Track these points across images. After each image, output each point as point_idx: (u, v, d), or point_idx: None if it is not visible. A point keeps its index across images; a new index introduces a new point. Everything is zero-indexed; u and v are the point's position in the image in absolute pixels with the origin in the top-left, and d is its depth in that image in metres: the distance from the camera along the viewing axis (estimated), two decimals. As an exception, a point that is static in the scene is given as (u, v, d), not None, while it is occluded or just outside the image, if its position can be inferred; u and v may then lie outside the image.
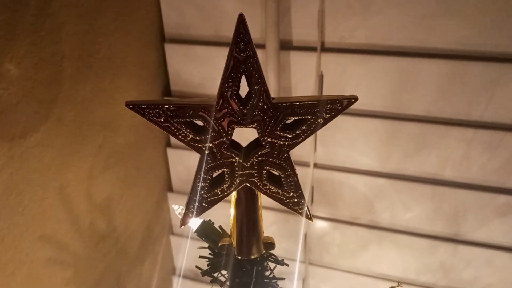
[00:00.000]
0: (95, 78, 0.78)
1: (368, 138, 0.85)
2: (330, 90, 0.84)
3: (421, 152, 0.83)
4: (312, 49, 0.83)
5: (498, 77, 0.75)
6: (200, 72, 0.94)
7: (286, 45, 0.84)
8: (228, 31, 0.88)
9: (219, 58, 0.90)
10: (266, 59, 0.83)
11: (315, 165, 0.91)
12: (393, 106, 0.82)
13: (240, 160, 0.49)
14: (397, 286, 0.60)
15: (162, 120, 0.47)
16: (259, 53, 0.84)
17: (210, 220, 0.60)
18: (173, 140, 1.03)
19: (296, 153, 0.92)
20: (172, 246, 1.14)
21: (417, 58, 0.78)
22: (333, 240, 0.96)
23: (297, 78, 0.86)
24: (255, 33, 0.84)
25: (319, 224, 0.96)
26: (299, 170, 0.93)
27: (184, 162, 1.04)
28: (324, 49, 0.83)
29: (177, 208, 0.59)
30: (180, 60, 0.95)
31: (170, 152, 1.03)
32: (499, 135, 0.78)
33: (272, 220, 1.00)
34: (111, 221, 0.88)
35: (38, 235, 0.70)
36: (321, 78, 0.84)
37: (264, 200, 0.84)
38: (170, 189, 1.08)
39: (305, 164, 0.91)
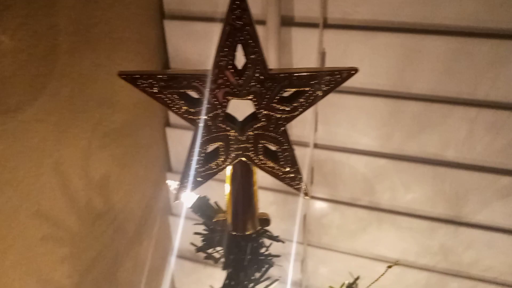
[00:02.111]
0: (92, 53, 0.77)
1: (370, 117, 0.84)
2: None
3: (423, 132, 0.82)
4: (314, 25, 0.81)
5: (505, 54, 0.72)
6: (199, 49, 0.92)
7: (287, 21, 0.82)
8: (228, 7, 0.85)
9: (218, 34, 0.88)
10: (266, 36, 0.81)
11: (315, 145, 0.90)
12: (396, 84, 0.81)
13: (236, 134, 0.48)
14: (394, 265, 0.59)
15: (156, 91, 0.46)
16: (260, 29, 0.83)
17: (205, 196, 0.59)
18: (172, 119, 1.02)
19: (296, 133, 0.90)
20: (170, 226, 1.13)
21: (422, 35, 0.76)
22: (332, 222, 0.96)
23: (298, 55, 0.84)
24: (255, 9, 0.82)
25: (319, 205, 0.95)
26: (299, 150, 0.93)
27: (184, 142, 1.03)
28: (327, 25, 0.81)
29: (172, 183, 0.58)
30: (179, 37, 0.93)
31: (169, 131, 1.02)
32: (504, 115, 0.76)
33: (271, 201, 0.99)
34: (108, 199, 0.87)
35: (33, 212, 0.70)
36: (323, 55, 0.82)
37: (263, 180, 0.84)
38: (169, 169, 1.07)
39: (305, 144, 0.90)
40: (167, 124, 1.03)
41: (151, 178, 1.01)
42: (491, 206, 0.83)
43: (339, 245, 0.98)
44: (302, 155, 0.91)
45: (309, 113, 0.87)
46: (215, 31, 0.91)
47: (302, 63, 0.84)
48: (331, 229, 0.97)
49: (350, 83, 0.83)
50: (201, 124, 0.47)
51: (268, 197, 0.99)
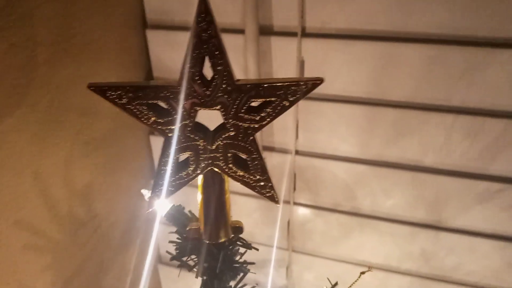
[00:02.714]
0: (72, 64, 0.77)
1: (349, 124, 0.85)
2: (311, 76, 0.83)
3: (402, 138, 0.83)
4: (292, 34, 0.82)
5: (478, 61, 0.74)
6: (182, 58, 0.93)
7: (266, 30, 0.83)
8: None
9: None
10: (245, 45, 0.82)
11: (297, 152, 0.91)
12: (374, 91, 0.82)
13: (205, 143, 0.49)
14: (367, 271, 0.60)
15: (124, 102, 0.47)
16: (238, 38, 0.84)
17: (180, 205, 0.59)
18: (156, 127, 1.02)
19: (278, 140, 0.91)
20: (157, 234, 1.13)
21: (398, 43, 0.77)
22: (315, 227, 0.96)
23: (277, 64, 0.85)
24: (234, 18, 0.83)
25: (302, 211, 0.96)
26: (281, 157, 0.94)
27: (168, 150, 1.04)
28: (305, 34, 0.82)
29: (146, 193, 0.59)
30: (162, 46, 0.94)
31: (153, 140, 1.03)
32: (479, 121, 0.77)
33: (255, 207, 0.99)
34: (91, 208, 0.87)
35: (13, 221, 0.70)
36: (302, 64, 0.83)
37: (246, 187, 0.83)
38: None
39: (287, 151, 0.91)
40: (151, 132, 1.03)
41: (135, 186, 1.02)
42: (471, 211, 0.84)
43: (323, 251, 0.99)
44: (284, 162, 0.92)
45: (290, 120, 0.88)
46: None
47: (281, 72, 0.85)
48: (314, 235, 0.97)
49: (329, 90, 0.85)
50: (170, 135, 0.48)
51: (252, 204, 0.99)
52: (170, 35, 0.92)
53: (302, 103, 0.86)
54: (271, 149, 0.93)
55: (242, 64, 0.85)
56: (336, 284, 0.68)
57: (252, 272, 0.58)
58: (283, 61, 0.84)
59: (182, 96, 0.46)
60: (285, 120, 0.88)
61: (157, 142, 1.03)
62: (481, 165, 0.80)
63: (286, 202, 0.95)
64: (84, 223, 0.86)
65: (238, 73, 0.88)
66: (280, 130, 0.90)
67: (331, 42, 0.80)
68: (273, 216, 0.99)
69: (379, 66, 0.80)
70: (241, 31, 0.82)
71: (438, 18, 0.73)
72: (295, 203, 0.96)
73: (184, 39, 0.92)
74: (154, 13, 0.92)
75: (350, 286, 0.65)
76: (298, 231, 0.98)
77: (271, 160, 0.93)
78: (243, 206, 1.00)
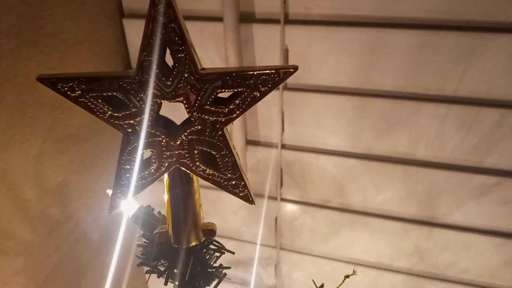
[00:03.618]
0: (40, 56, 0.73)
1: (337, 116, 0.80)
2: (293, 64, 0.78)
3: (392, 130, 0.78)
4: (275, 21, 0.77)
5: (472, 47, 0.69)
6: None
7: (246, 18, 0.79)
8: (192, 4, 0.82)
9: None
10: (224, 33, 0.77)
11: (283, 146, 0.86)
12: (361, 81, 0.77)
13: (167, 139, 0.44)
14: (352, 274, 0.56)
15: (77, 94, 0.42)
16: (217, 26, 0.79)
17: (149, 206, 0.55)
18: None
19: (263, 134, 0.87)
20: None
21: (386, 29, 0.72)
22: (304, 224, 0.92)
23: (260, 53, 0.80)
24: (212, 5, 0.79)
25: (289, 208, 0.92)
26: (266, 152, 0.89)
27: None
28: (288, 21, 0.77)
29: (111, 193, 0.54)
30: (140, 36, 0.89)
31: (135, 134, 0.98)
32: (474, 111, 0.72)
33: (242, 204, 0.95)
34: (67, 208, 0.83)
35: (-22, 224, 0.66)
36: (286, 52, 0.79)
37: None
38: (137, 173, 1.04)
39: (273, 145, 0.86)
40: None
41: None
42: (465, 206, 0.79)
43: (312, 249, 0.95)
44: (270, 156, 0.87)
45: (275, 113, 0.83)
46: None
47: (265, 62, 0.80)
48: (303, 232, 0.93)
49: (315, 81, 0.80)
50: (129, 130, 0.43)
51: (238, 201, 0.95)
52: (149, 24, 0.87)
53: (287, 94, 0.81)
54: (256, 143, 0.88)
55: (223, 54, 0.80)
56: (322, 286, 0.64)
57: (228, 270, 0.54)
58: (266, 50, 0.80)
59: (140, 88, 0.42)
60: (270, 113, 0.84)
61: (138, 137, 0.98)
62: (476, 157, 0.76)
63: (273, 198, 0.91)
64: (59, 223, 0.82)
65: (219, 64, 0.83)
66: (265, 124, 0.86)
67: (316, 29, 0.76)
68: (259, 214, 0.95)
69: (367, 54, 0.75)
70: (219, 19, 0.77)
71: (429, 2, 0.69)
72: (282, 199, 0.91)
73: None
74: (130, 1, 0.87)
75: (336, 289, 0.60)
76: (286, 228, 0.94)
77: (257, 155, 0.89)
78: (229, 203, 0.96)
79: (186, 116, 0.44)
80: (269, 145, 0.87)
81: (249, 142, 0.88)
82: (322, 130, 0.82)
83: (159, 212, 0.55)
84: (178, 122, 0.46)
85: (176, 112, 0.49)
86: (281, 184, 0.90)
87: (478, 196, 0.78)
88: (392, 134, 0.79)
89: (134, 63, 0.92)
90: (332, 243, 0.92)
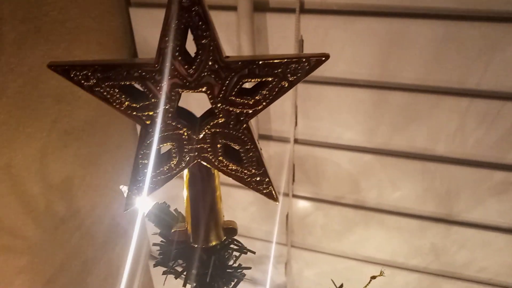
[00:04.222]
0: (46, 45, 0.69)
1: (353, 110, 0.77)
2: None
3: (411, 125, 0.76)
4: (290, 10, 0.74)
5: (497, 39, 0.66)
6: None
7: (261, 7, 0.75)
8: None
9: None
10: (238, 22, 0.74)
11: (296, 141, 0.84)
12: (380, 74, 0.74)
13: (189, 132, 0.41)
14: (379, 275, 0.53)
15: (91, 83, 0.39)
16: (231, 15, 0.76)
17: (165, 203, 0.52)
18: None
19: (275, 128, 0.84)
20: (147, 229, 1.07)
21: (407, 19, 0.69)
22: (316, 221, 0.89)
23: (274, 43, 0.77)
24: (225, -7, 0.75)
25: (301, 205, 0.89)
26: (278, 147, 0.86)
27: (157, 139, 0.96)
28: (304, 10, 0.74)
29: (125, 189, 0.51)
30: (147, 26, 0.86)
31: (139, 128, 0.95)
32: (497, 105, 0.70)
33: (251, 201, 0.93)
34: (73, 203, 0.80)
35: (-18, 221, 0.63)
36: (301, 43, 0.76)
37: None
38: (143, 168, 1.00)
39: (285, 140, 0.83)
40: (139, 120, 0.96)
41: (121, 178, 0.94)
42: (485, 203, 0.77)
43: (324, 246, 0.92)
44: (282, 151, 0.84)
45: (288, 106, 0.80)
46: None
47: (279, 51, 0.77)
48: (315, 229, 0.91)
49: (331, 73, 0.77)
50: (148, 122, 0.40)
51: (248, 197, 0.92)
52: (156, 13, 0.84)
53: (301, 87, 0.78)
54: (268, 137, 0.85)
55: (236, 44, 0.77)
56: (341, 286, 0.61)
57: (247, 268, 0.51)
58: (280, 40, 0.76)
59: (160, 76, 0.39)
60: (283, 106, 0.81)
61: (145, 131, 0.95)
62: (497, 153, 0.74)
63: (285, 194, 0.89)
64: (64, 220, 0.79)
65: (230, 54, 0.80)
66: (278, 117, 0.83)
67: (332, 18, 0.73)
68: (271, 210, 0.92)
69: (386, 46, 0.72)
70: (233, 8, 0.74)
71: (453, -9, 0.66)
72: (294, 196, 0.89)
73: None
74: (138, -11, 0.84)
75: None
76: (298, 226, 0.92)
77: (268, 150, 0.86)
78: (238, 199, 0.93)
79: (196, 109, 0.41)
80: (281, 139, 0.84)
81: (261, 137, 0.85)
82: (337, 125, 0.80)
83: (175, 209, 0.52)
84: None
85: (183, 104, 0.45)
86: (293, 180, 0.87)
87: (499, 193, 0.76)
88: (410, 129, 0.76)
89: (140, 53, 0.89)
90: (345, 241, 0.89)
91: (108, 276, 0.94)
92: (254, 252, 0.52)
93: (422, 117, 0.74)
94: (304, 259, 0.95)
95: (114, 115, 0.88)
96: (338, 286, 0.62)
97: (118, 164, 0.92)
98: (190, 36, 0.38)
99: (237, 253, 0.51)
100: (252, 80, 0.40)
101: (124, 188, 0.52)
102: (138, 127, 0.95)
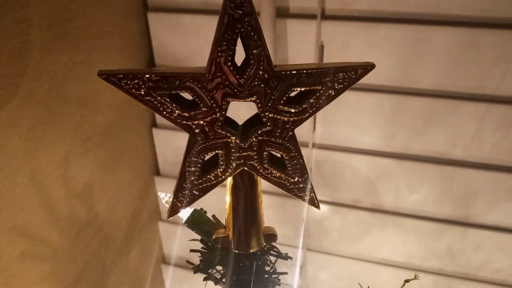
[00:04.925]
0: (70, 50, 0.69)
1: (372, 115, 0.78)
2: (332, 62, 0.76)
3: (429, 129, 0.77)
4: (311, 16, 0.75)
5: (516, 46, 0.68)
6: (187, 43, 0.85)
7: (282, 13, 0.76)
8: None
9: (208, 28, 0.81)
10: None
11: (314, 145, 0.84)
12: (399, 79, 0.75)
13: (237, 140, 0.42)
14: (413, 279, 0.54)
15: (143, 92, 0.40)
16: (253, 21, 0.76)
17: (201, 209, 0.52)
18: (159, 119, 0.95)
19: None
20: (160, 233, 1.07)
21: (426, 26, 0.71)
22: (333, 225, 0.90)
23: (294, 49, 0.78)
24: (248, -1, 0.76)
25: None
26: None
27: (172, 144, 0.96)
28: (325, 16, 0.75)
29: (164, 196, 0.52)
30: (165, 31, 0.86)
31: (156, 132, 0.96)
32: (515, 110, 0.71)
33: (267, 204, 0.93)
34: (92, 208, 0.80)
35: (9, 227, 0.63)
36: (321, 49, 0.77)
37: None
38: (157, 172, 1.01)
39: (304, 144, 0.84)
40: (154, 124, 0.96)
41: (138, 182, 0.94)
42: (501, 206, 0.78)
43: (340, 249, 0.93)
44: (300, 156, 0.85)
45: (307, 111, 0.81)
46: (204, 23, 0.84)
47: (299, 57, 0.78)
48: (331, 232, 0.92)
49: (351, 78, 0.78)
50: (197, 130, 0.41)
51: (264, 201, 0.93)
52: (174, 18, 0.84)
53: (321, 92, 0.79)
54: (285, 142, 0.86)
55: (257, 50, 0.77)
56: (367, 289, 0.62)
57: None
58: (301, 46, 0.77)
59: (212, 86, 0.39)
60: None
61: (160, 134, 0.95)
62: (514, 157, 0.75)
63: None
64: (85, 225, 0.79)
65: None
66: (296, 122, 0.83)
67: (353, 25, 0.74)
68: (286, 214, 0.93)
69: (406, 52, 0.73)
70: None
71: (473, -1, 0.67)
72: (311, 199, 0.89)
73: (189, 22, 0.84)
74: (156, -5, 0.84)
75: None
76: (314, 229, 0.92)
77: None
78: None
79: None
80: (300, 144, 0.84)
81: (279, 141, 0.86)
82: (356, 129, 0.81)
83: (213, 216, 0.53)
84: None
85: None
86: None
87: (515, 196, 0.77)
88: (428, 133, 0.77)
89: (157, 58, 0.89)
90: (361, 244, 0.90)
91: (125, 280, 0.94)
92: (291, 258, 0.52)
93: (440, 122, 0.76)
94: (319, 262, 0.96)
95: (131, 120, 0.89)
96: (364, 289, 0.62)
97: (135, 168, 0.93)
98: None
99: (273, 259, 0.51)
100: (301, 89, 0.41)
101: (162, 195, 0.52)
102: (154, 131, 0.95)
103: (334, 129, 0.82)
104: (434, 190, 0.81)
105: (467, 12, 0.69)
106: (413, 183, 0.81)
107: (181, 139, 0.92)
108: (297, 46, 0.78)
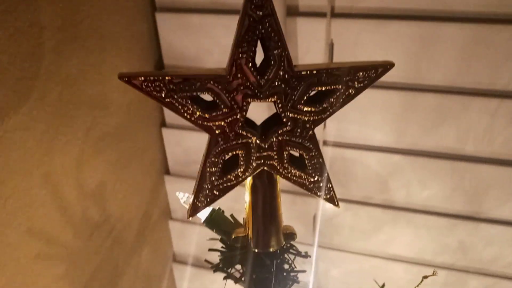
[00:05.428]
0: (81, 52, 0.70)
1: (383, 111, 0.78)
2: (342, 60, 0.76)
3: (440, 125, 0.77)
4: (321, 14, 0.75)
5: (527, 41, 0.68)
6: (196, 43, 0.85)
7: (292, 11, 0.76)
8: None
9: (217, 27, 0.81)
10: (271, 27, 0.74)
11: (325, 143, 0.85)
12: (410, 76, 0.75)
13: (257, 141, 0.42)
14: (431, 275, 0.54)
15: (163, 94, 0.40)
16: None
17: (219, 209, 0.53)
18: (168, 119, 0.95)
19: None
20: (171, 232, 1.07)
21: (437, 22, 0.71)
22: (344, 222, 0.91)
23: (304, 47, 0.78)
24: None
25: (329, 205, 0.89)
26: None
27: (181, 143, 0.96)
28: (335, 14, 0.75)
29: (182, 197, 0.52)
30: (173, 31, 0.86)
31: (166, 132, 0.96)
32: (526, 105, 0.71)
33: (277, 202, 0.93)
34: (105, 209, 0.81)
35: (24, 229, 0.63)
36: (331, 47, 0.77)
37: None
38: (167, 172, 1.01)
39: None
40: (163, 124, 0.96)
41: (148, 182, 0.95)
42: (513, 200, 0.79)
43: (351, 246, 0.94)
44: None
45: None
46: (212, 23, 0.84)
47: (309, 56, 0.78)
48: (343, 229, 0.92)
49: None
50: (218, 131, 0.41)
51: (274, 199, 0.93)
52: (182, 18, 0.84)
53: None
54: (295, 139, 0.86)
55: (267, 49, 0.77)
56: (383, 286, 0.62)
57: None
58: (311, 44, 0.77)
59: (233, 87, 0.39)
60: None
61: (169, 134, 0.96)
62: (525, 152, 0.75)
63: (312, 195, 0.89)
64: (98, 225, 0.79)
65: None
66: (307, 119, 0.83)
67: (363, 22, 0.74)
68: (296, 211, 0.93)
69: (416, 48, 0.73)
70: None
71: (485, -6, 0.67)
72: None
73: (198, 22, 0.84)
74: (164, -6, 0.84)
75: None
76: (325, 226, 0.93)
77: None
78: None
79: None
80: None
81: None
82: (367, 126, 0.81)
83: (231, 215, 0.53)
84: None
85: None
86: (321, 181, 0.88)
87: (526, 191, 0.77)
88: (440, 129, 0.77)
89: (166, 58, 0.89)
90: (372, 240, 0.91)
91: (137, 279, 0.95)
92: (310, 256, 0.52)
93: (451, 117, 0.76)
94: (330, 258, 0.96)
95: (140, 120, 0.89)
96: (380, 286, 0.62)
97: (145, 168, 0.93)
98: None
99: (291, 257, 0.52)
100: (321, 88, 0.41)
101: (181, 195, 0.52)
102: (163, 131, 0.95)
103: (345, 126, 0.82)
104: (446, 185, 0.81)
105: (478, 8, 0.69)
106: (424, 179, 0.81)
107: (189, 139, 0.92)
108: (307, 44, 0.78)
